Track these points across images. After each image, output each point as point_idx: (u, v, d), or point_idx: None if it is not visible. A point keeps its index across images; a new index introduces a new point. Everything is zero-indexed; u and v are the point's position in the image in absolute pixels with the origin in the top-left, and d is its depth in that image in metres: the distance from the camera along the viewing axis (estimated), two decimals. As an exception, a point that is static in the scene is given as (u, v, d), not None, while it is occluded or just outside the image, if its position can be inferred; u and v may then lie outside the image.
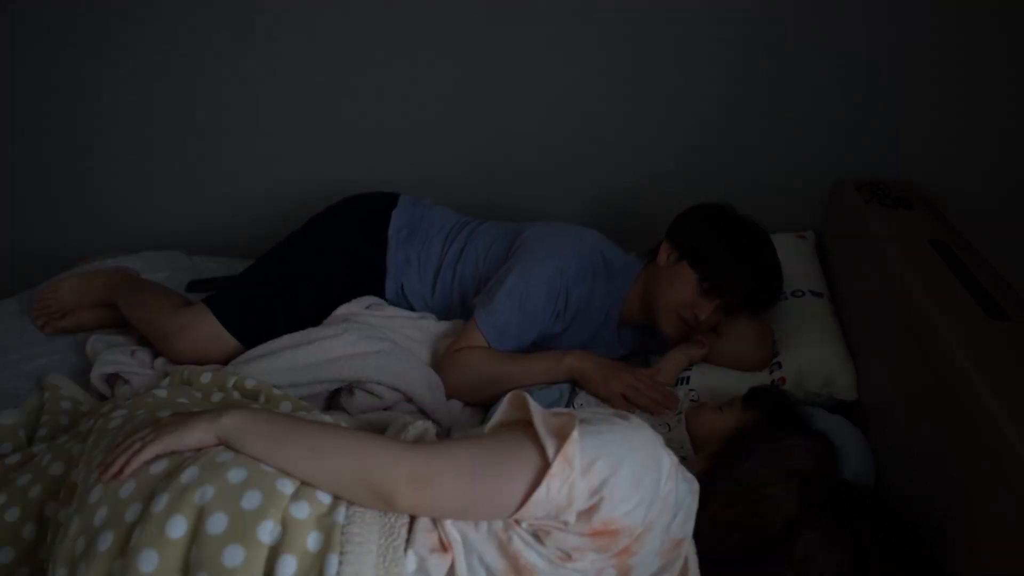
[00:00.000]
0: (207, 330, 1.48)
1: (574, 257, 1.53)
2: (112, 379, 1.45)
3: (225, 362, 1.45)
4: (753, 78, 1.78)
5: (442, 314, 1.64)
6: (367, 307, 1.56)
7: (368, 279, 1.62)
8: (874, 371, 1.47)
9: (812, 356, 1.51)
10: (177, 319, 1.49)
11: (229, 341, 1.49)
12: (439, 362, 1.49)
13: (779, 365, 1.53)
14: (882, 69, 1.74)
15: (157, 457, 0.90)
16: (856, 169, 1.86)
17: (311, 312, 1.52)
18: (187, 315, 1.50)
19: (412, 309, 1.64)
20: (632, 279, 1.61)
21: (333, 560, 0.81)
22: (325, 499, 0.87)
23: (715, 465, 0.98)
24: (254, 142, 1.92)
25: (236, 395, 1.23)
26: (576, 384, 1.49)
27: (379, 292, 1.62)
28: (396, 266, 1.63)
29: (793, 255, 1.78)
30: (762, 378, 1.54)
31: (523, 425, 0.88)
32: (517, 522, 0.85)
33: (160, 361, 1.45)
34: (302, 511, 0.85)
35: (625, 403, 1.41)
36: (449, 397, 1.47)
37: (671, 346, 1.56)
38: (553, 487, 0.80)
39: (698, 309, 1.48)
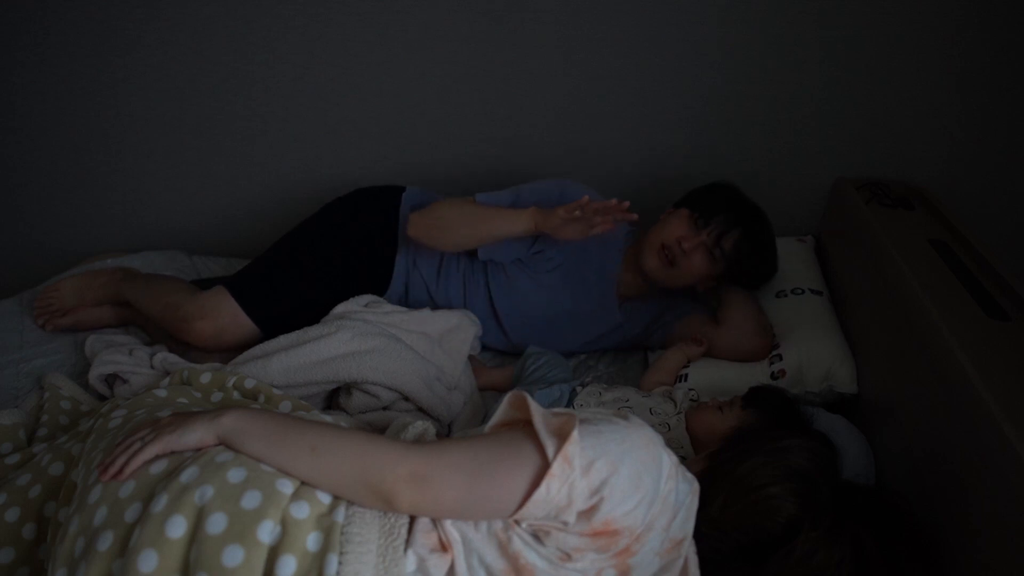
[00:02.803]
0: (227, 312, 1.51)
1: (576, 185, 1.62)
2: (112, 379, 1.44)
3: (243, 346, 1.49)
4: (753, 78, 1.78)
5: (450, 286, 1.66)
6: (365, 305, 1.56)
7: (381, 255, 1.65)
8: (874, 370, 1.47)
9: (812, 350, 1.52)
10: (198, 301, 1.52)
11: (248, 324, 1.52)
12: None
13: (780, 358, 1.54)
14: (882, 69, 1.74)
15: (157, 457, 0.90)
16: (856, 169, 1.86)
17: (327, 294, 1.55)
18: (207, 298, 1.53)
19: (422, 282, 1.66)
20: (631, 243, 1.66)
21: (333, 560, 0.81)
22: (325, 499, 0.87)
23: (715, 465, 0.98)
24: (254, 142, 1.92)
25: (236, 395, 1.23)
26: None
27: (390, 267, 1.65)
28: (407, 243, 1.66)
29: (793, 256, 1.79)
30: (762, 371, 1.54)
31: (523, 425, 0.87)
32: (517, 522, 0.85)
33: (159, 359, 1.45)
34: (302, 511, 0.84)
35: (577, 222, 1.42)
36: (416, 235, 1.55)
37: (653, 289, 1.63)
38: (553, 487, 0.80)
39: (685, 240, 1.51)
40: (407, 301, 1.68)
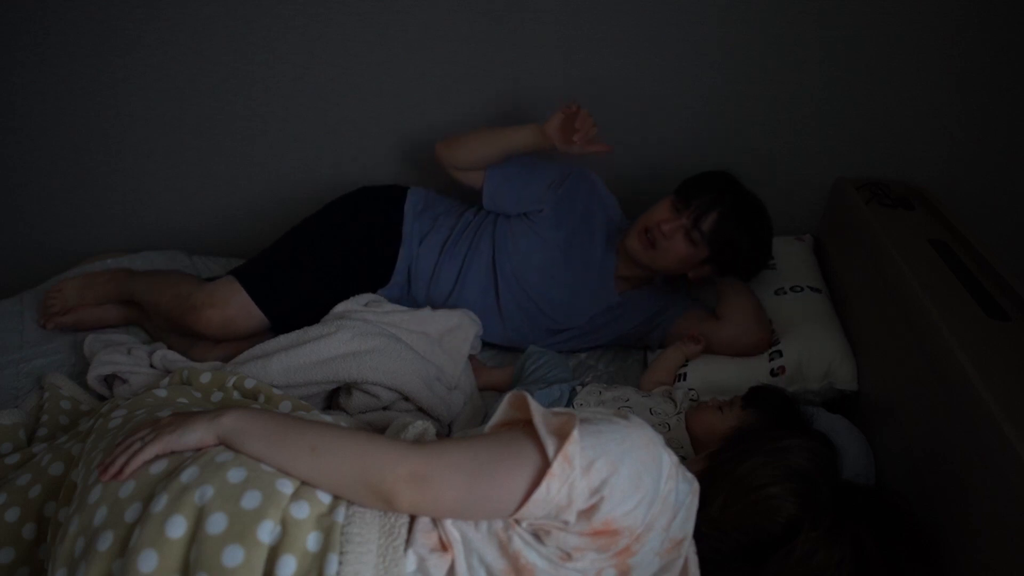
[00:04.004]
0: (237, 302, 1.53)
1: (587, 172, 1.73)
2: (111, 379, 1.44)
3: (250, 335, 1.52)
4: (753, 78, 1.78)
5: (450, 279, 1.68)
6: (365, 304, 1.56)
7: (381, 255, 1.67)
8: (874, 370, 1.47)
9: (812, 346, 1.53)
10: (207, 290, 1.54)
11: (257, 314, 1.54)
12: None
13: (779, 354, 1.54)
14: (882, 69, 1.74)
15: (157, 457, 0.90)
16: (856, 169, 1.86)
17: (327, 293, 1.57)
18: (217, 286, 1.55)
19: (423, 270, 1.68)
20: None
21: (333, 560, 0.81)
22: (325, 499, 0.87)
23: (715, 465, 0.98)
24: (254, 142, 1.92)
25: (236, 395, 1.23)
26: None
27: (391, 266, 1.67)
28: (411, 234, 1.69)
29: (792, 255, 1.79)
30: (762, 368, 1.54)
31: (523, 425, 0.87)
32: (517, 522, 0.85)
33: (158, 356, 1.45)
34: (302, 511, 0.84)
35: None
36: (438, 152, 1.70)
37: (649, 279, 1.69)
38: (553, 487, 0.80)
39: (664, 223, 1.55)
40: (408, 291, 1.69)
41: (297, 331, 1.43)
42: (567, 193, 1.67)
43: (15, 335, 1.61)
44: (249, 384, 1.24)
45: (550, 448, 0.82)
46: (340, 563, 0.81)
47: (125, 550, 0.82)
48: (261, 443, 0.89)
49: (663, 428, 1.35)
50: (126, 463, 0.89)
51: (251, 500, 0.84)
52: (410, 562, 0.84)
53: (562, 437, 0.82)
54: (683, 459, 0.97)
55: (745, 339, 1.56)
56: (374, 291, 1.66)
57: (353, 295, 1.58)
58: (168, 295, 1.56)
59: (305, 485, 0.88)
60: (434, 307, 1.67)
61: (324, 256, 1.63)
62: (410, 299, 1.70)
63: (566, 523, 0.82)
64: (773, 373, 1.52)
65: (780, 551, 0.89)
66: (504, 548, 0.85)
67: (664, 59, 1.77)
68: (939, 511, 1.09)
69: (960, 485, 1.06)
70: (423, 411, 1.43)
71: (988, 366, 1.07)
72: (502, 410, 0.90)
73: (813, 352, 1.52)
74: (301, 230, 1.69)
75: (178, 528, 0.82)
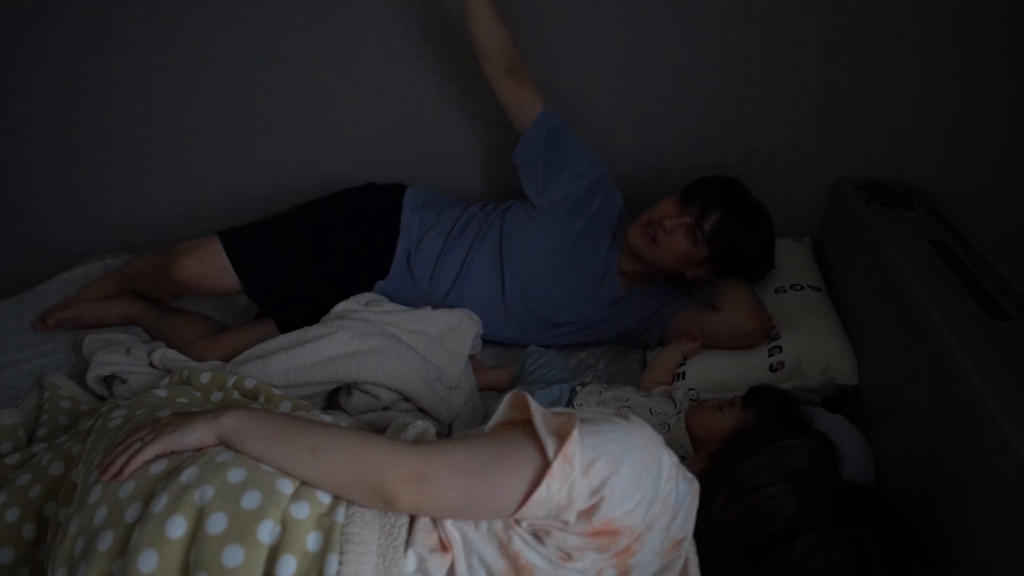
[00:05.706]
0: (214, 258, 1.55)
1: (603, 179, 1.74)
2: (110, 379, 1.44)
3: (224, 295, 1.58)
4: (753, 78, 1.78)
5: (454, 269, 1.68)
6: (365, 304, 1.56)
7: (381, 237, 1.68)
8: (874, 370, 1.47)
9: (813, 341, 1.53)
10: (190, 242, 1.58)
11: (232, 277, 1.56)
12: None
13: (779, 350, 1.54)
14: (882, 69, 1.74)
15: (157, 457, 0.90)
16: (856, 169, 1.86)
17: (334, 284, 1.59)
18: (200, 240, 1.58)
19: (424, 267, 1.68)
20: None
21: (333, 560, 0.81)
22: (325, 499, 0.87)
23: (715, 465, 0.98)
24: (254, 142, 1.92)
25: (236, 395, 1.23)
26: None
27: (391, 251, 1.68)
28: (409, 226, 1.69)
29: (791, 255, 1.80)
30: (761, 364, 1.54)
31: (523, 425, 0.87)
32: (517, 522, 0.85)
33: (158, 355, 1.45)
34: (302, 511, 0.84)
35: None
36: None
37: (651, 277, 1.70)
38: (553, 486, 0.80)
39: (667, 219, 1.56)
40: (411, 282, 1.69)
41: (297, 331, 1.43)
42: (589, 191, 1.69)
43: (15, 335, 1.62)
44: (249, 384, 1.24)
45: (550, 448, 0.82)
46: (340, 563, 0.81)
47: (125, 550, 0.82)
48: (261, 443, 0.89)
49: (663, 428, 1.35)
50: (126, 463, 0.89)
51: (251, 500, 0.84)
52: (410, 562, 0.84)
53: (562, 437, 0.82)
54: (683, 459, 0.97)
55: (744, 327, 1.57)
56: (371, 286, 1.66)
57: (351, 289, 1.58)
58: (152, 255, 1.62)
59: (305, 485, 0.88)
60: (436, 299, 1.66)
61: (320, 249, 1.63)
62: (412, 291, 1.69)
63: (566, 523, 0.82)
64: (772, 368, 1.52)
65: (780, 551, 0.89)
66: (504, 548, 0.85)
67: (664, 59, 1.77)
68: (939, 511, 1.09)
69: (960, 485, 1.06)
70: (423, 411, 1.43)
71: (988, 366, 1.07)
72: (502, 410, 0.90)
73: (813, 347, 1.52)
74: (300, 215, 1.68)
75: (178, 528, 0.82)
